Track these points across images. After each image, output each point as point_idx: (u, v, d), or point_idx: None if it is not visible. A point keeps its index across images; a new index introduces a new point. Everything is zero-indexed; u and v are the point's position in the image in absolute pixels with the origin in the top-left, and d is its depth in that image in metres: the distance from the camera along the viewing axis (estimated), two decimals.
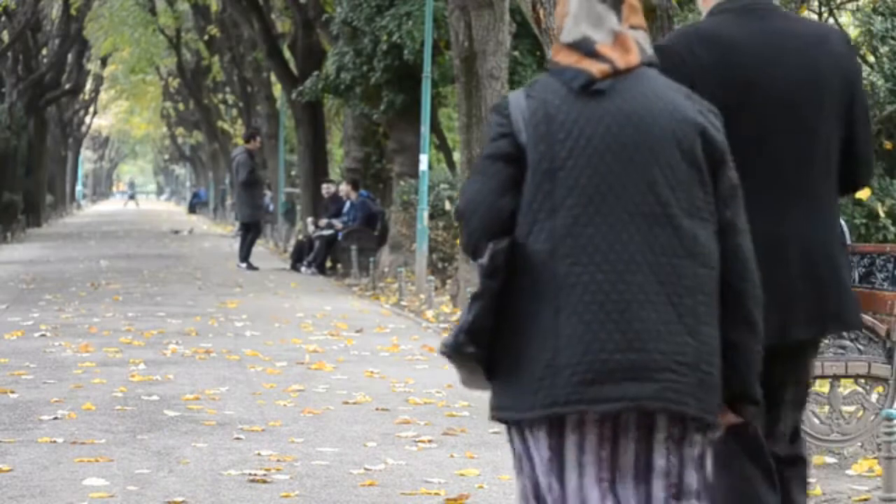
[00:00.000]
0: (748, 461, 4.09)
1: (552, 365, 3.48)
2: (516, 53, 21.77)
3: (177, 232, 40.51)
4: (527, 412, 3.51)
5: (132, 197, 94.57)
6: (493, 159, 3.60)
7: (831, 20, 12.94)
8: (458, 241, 18.75)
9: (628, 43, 3.62)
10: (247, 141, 24.67)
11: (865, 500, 6.58)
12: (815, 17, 12.86)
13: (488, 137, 3.68)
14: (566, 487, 3.55)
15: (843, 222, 7.81)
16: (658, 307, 3.51)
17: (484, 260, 3.54)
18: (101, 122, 78.68)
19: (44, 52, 43.83)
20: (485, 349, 3.57)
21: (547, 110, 3.58)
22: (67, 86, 47.63)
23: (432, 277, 18.22)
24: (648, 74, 3.63)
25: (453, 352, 3.57)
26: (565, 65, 3.62)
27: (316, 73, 25.18)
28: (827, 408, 7.38)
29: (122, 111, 72.30)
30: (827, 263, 4.19)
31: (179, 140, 73.39)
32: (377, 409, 8.84)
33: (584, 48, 3.61)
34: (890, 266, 7.45)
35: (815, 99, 4.19)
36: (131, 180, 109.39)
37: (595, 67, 3.58)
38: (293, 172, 37.75)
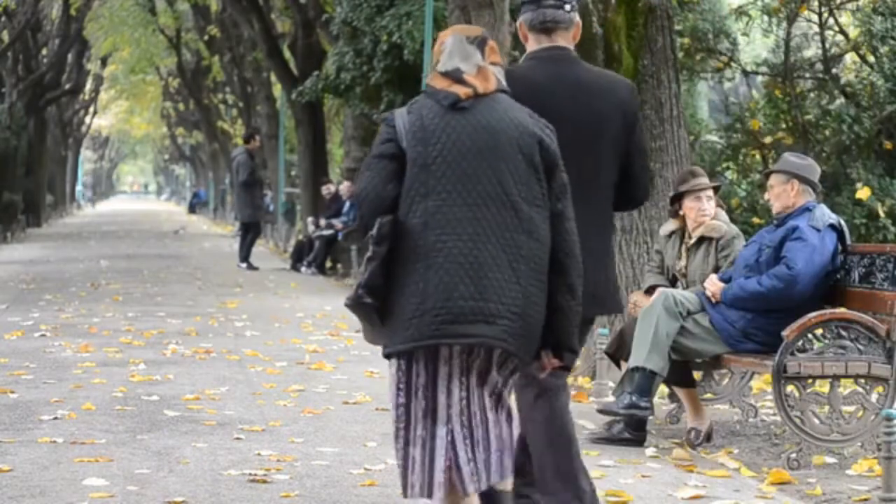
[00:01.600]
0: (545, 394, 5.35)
1: (420, 308, 4.67)
2: (516, 53, 21.76)
3: (177, 231, 40.54)
4: (401, 345, 4.71)
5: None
6: (381, 158, 4.83)
7: (831, 20, 12.93)
8: None
9: (488, 74, 4.89)
10: (246, 141, 24.66)
11: (865, 500, 6.59)
12: (815, 16, 12.86)
13: (378, 142, 4.86)
14: (451, 401, 4.76)
15: (842, 221, 7.78)
16: (502, 270, 4.72)
17: (374, 232, 4.71)
18: (101, 122, 78.61)
19: (44, 52, 43.79)
20: (378, 300, 4.74)
21: (423, 122, 4.80)
22: (67, 86, 47.59)
23: None
24: (501, 98, 4.90)
25: (355, 303, 4.76)
26: (440, 87, 4.87)
27: (316, 73, 25.17)
28: (827, 408, 7.39)
29: (122, 111, 72.26)
30: (597, 262, 5.36)
31: (179, 140, 73.38)
32: (377, 409, 8.84)
33: (455, 76, 4.87)
34: (890, 266, 7.45)
35: (597, 134, 5.40)
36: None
37: (461, 90, 4.84)
38: (293, 172, 37.74)
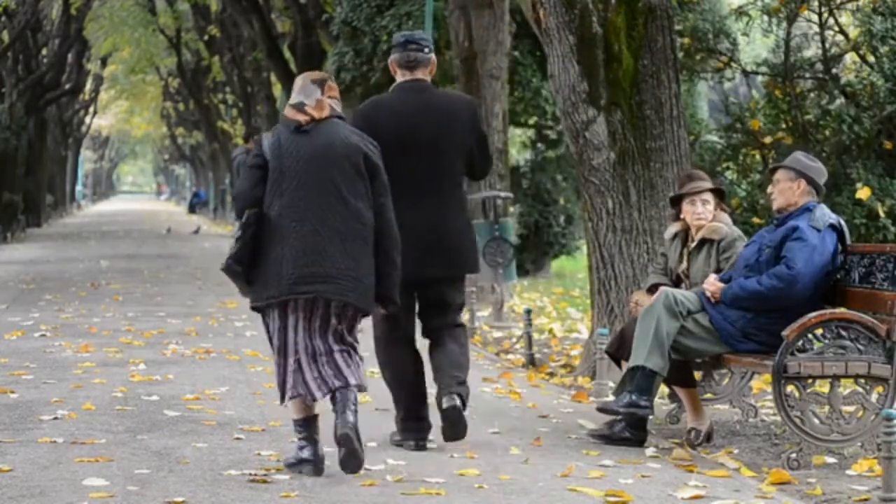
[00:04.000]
0: (400, 341, 7.70)
1: (278, 274, 6.68)
2: (516, 53, 21.74)
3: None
4: (265, 300, 6.75)
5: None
6: (251, 168, 6.87)
7: (831, 20, 12.91)
8: None
9: (324, 105, 6.87)
10: (246, 141, 24.68)
11: (865, 500, 6.58)
12: (815, 16, 12.83)
13: (251, 157, 6.91)
14: (297, 339, 6.75)
15: (842, 221, 7.75)
16: (336, 246, 6.70)
17: (244, 219, 6.72)
18: (101, 122, 78.57)
19: (44, 52, 43.77)
20: (245, 268, 6.74)
21: (280, 141, 6.84)
22: (67, 86, 47.56)
23: None
24: (335, 122, 6.88)
25: (227, 270, 6.74)
26: (290, 117, 6.87)
27: None
28: (827, 408, 7.38)
29: (122, 111, 72.23)
30: (449, 237, 7.54)
31: (179, 140, 73.38)
32: (377, 409, 8.84)
33: (299, 107, 6.87)
34: (890, 266, 7.44)
35: (444, 141, 7.56)
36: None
37: (302, 118, 6.84)
38: None
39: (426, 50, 7.65)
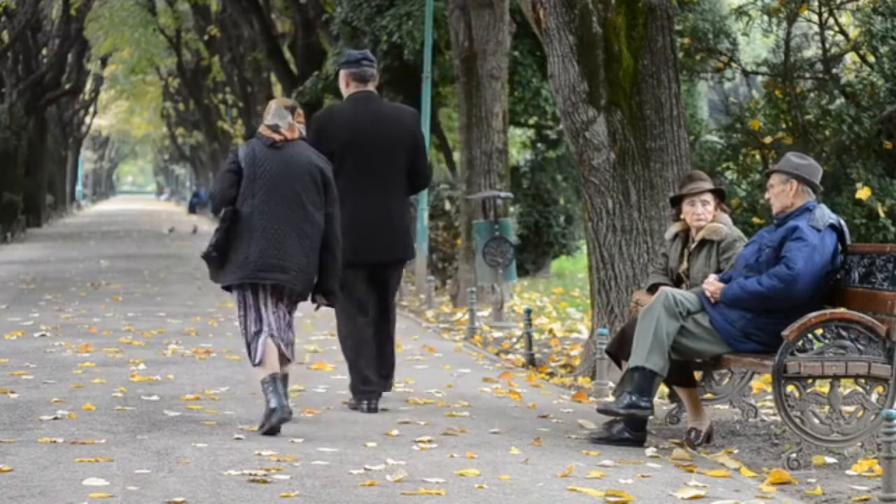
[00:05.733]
0: (359, 315, 9.01)
1: (246, 260, 8.08)
2: (516, 53, 21.74)
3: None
4: (232, 281, 8.15)
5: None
6: (227, 172, 8.24)
7: (831, 20, 12.91)
8: (458, 242, 18.74)
9: (294, 128, 8.29)
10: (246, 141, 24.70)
11: (865, 500, 6.58)
12: (815, 16, 12.83)
13: (227, 163, 8.31)
14: (265, 315, 8.16)
15: (842, 221, 7.75)
16: (294, 243, 8.11)
17: (221, 216, 8.15)
18: (101, 122, 78.54)
19: (44, 52, 43.75)
20: (221, 255, 8.14)
21: (254, 154, 8.21)
22: (67, 86, 47.55)
23: (432, 277, 18.22)
24: (301, 143, 8.31)
25: (207, 256, 8.20)
26: (265, 134, 8.26)
27: (316, 73, 25.18)
28: (827, 408, 7.38)
29: (122, 111, 72.20)
30: (394, 227, 9.01)
31: (179, 140, 73.37)
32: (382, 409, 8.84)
33: (274, 128, 8.27)
34: (890, 266, 7.44)
35: (391, 147, 8.98)
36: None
37: (277, 137, 8.24)
38: None
39: (374, 67, 9.20)
